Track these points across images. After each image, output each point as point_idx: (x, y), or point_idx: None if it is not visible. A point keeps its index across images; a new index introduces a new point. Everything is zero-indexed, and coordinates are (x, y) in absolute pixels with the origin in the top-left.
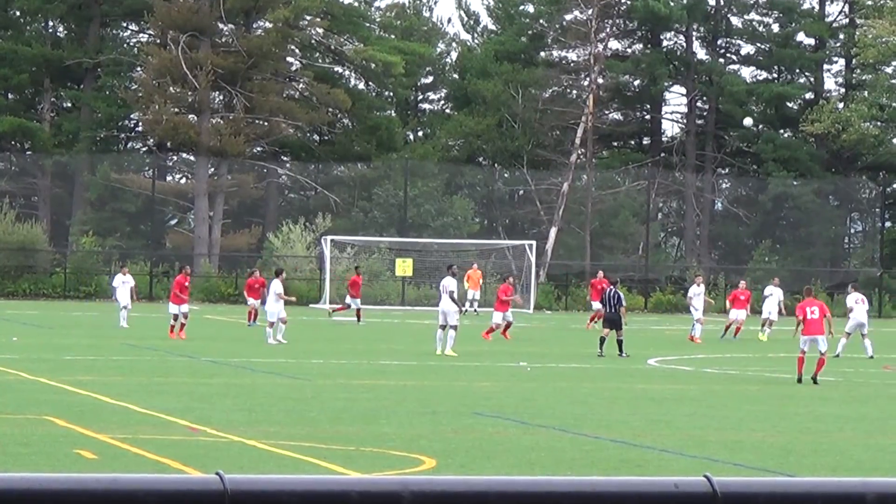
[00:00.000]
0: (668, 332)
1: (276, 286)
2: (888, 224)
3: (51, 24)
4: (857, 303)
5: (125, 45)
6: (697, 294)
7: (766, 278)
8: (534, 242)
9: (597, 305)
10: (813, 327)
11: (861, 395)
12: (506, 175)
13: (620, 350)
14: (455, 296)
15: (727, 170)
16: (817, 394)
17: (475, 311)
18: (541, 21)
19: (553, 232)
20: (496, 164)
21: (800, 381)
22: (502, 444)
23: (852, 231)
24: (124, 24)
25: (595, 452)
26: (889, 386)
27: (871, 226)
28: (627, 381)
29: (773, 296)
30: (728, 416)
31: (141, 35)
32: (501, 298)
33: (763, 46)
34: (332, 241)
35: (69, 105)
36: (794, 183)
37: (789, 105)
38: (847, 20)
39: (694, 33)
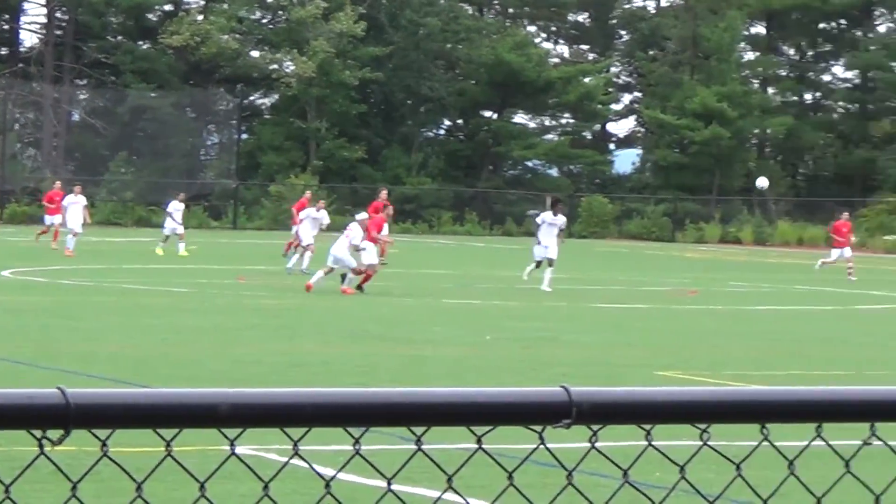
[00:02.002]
0: (23, 243)
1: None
2: (244, 136)
3: None
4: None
5: None
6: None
7: (122, 189)
8: None
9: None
10: None
11: (216, 306)
12: None
13: None
14: None
15: (85, 81)
16: (172, 305)
17: None
18: None
19: None
20: None
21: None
22: None
23: (209, 143)
24: None
25: None
26: (243, 297)
27: (228, 138)
28: None
29: (179, 211)
30: (82, 328)
31: None
32: None
33: None
34: None
35: None
36: (153, 95)
37: (149, 16)
38: None
39: None
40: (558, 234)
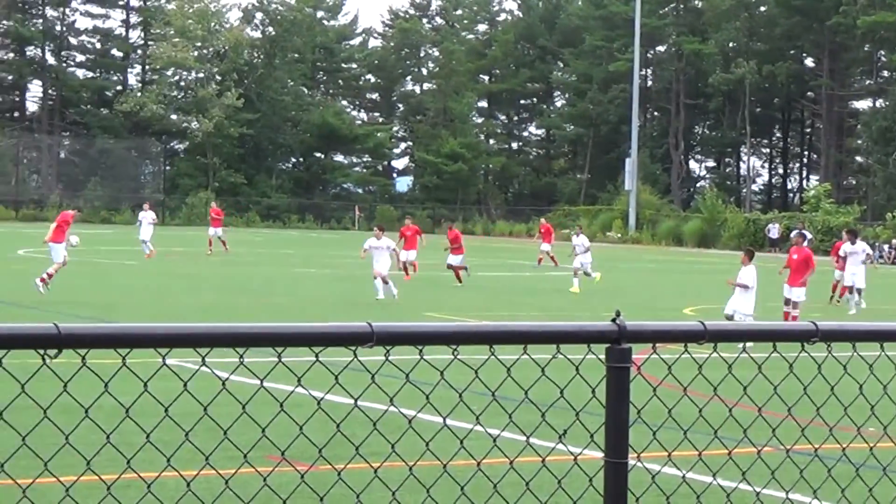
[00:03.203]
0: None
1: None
2: (167, 168)
3: None
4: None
5: None
6: None
7: (94, 200)
8: None
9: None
10: None
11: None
12: None
13: None
14: None
15: (69, 133)
16: (143, 270)
17: None
18: None
19: None
20: None
21: None
22: None
23: (146, 171)
24: None
25: None
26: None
27: (157, 168)
28: None
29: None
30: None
31: None
32: None
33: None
34: None
35: None
36: (111, 142)
37: (107, 93)
38: (143, 42)
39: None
40: (864, 261)
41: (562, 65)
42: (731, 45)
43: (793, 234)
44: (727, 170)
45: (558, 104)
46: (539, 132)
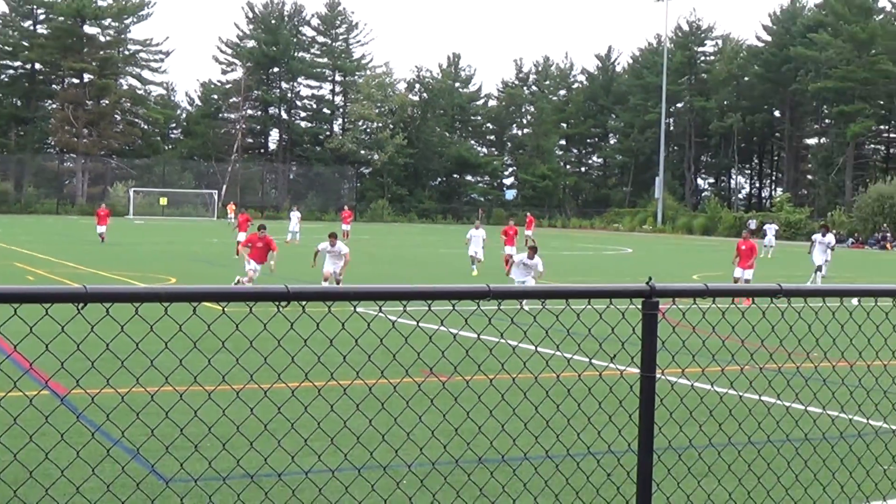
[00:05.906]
0: None
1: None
2: (358, 184)
3: None
4: None
5: None
6: None
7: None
8: (215, 191)
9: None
10: None
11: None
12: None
13: None
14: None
15: (295, 162)
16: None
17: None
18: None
19: (224, 187)
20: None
21: None
22: None
23: (345, 187)
24: None
25: None
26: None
27: (352, 185)
28: None
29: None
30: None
31: None
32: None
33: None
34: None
35: None
36: (323, 168)
37: (321, 137)
38: (344, 103)
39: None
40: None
41: (614, 116)
42: (725, 102)
43: (744, 230)
44: (722, 184)
45: (612, 142)
46: (599, 160)
